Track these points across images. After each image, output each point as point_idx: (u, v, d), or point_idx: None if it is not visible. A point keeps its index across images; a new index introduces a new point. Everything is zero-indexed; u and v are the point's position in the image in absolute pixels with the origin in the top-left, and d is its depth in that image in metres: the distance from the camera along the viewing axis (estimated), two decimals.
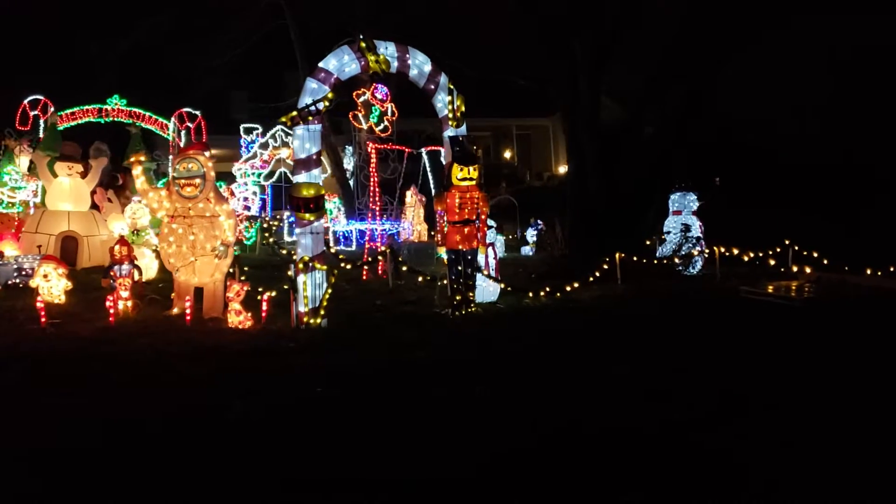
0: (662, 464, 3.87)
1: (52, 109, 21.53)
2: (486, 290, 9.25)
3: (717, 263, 11.39)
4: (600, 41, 11.27)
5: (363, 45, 7.62)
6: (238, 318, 7.43)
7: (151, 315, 7.95)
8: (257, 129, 19.13)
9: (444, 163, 13.90)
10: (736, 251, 11.60)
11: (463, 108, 8.41)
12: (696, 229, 12.35)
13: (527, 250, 16.08)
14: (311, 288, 7.42)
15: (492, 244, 9.33)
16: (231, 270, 9.18)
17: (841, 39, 18.20)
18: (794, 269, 11.35)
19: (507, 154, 35.74)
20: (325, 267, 7.56)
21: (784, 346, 6.68)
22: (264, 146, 18.31)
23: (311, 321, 7.40)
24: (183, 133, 23.04)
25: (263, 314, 7.53)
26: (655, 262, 10.95)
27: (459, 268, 8.44)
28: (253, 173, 18.39)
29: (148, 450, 4.07)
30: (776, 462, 3.89)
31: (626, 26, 11.62)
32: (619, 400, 5.01)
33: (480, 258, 9.16)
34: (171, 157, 22.71)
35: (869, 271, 10.35)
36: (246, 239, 13.55)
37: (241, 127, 19.51)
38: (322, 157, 7.78)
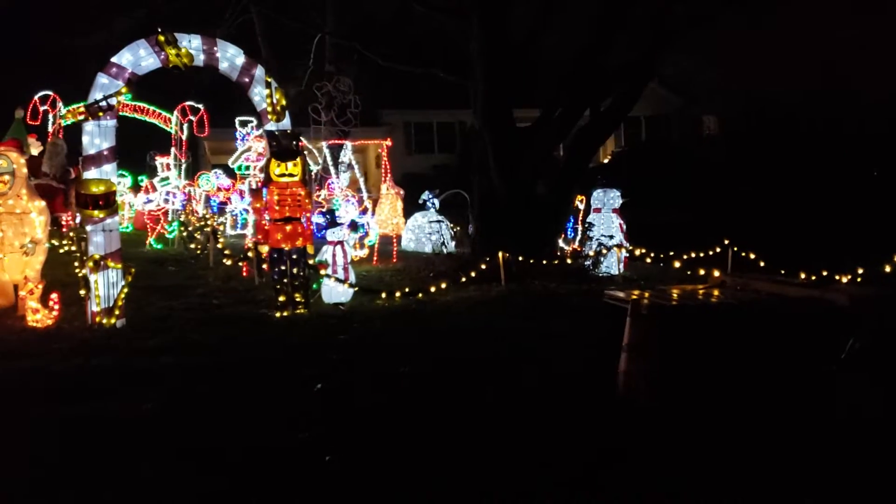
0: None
1: (60, 105, 22.26)
2: (335, 290, 8.93)
3: (619, 264, 10.70)
4: (493, 21, 10.62)
5: (162, 38, 7.40)
6: (35, 317, 7.37)
7: None
8: (252, 121, 19.24)
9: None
10: (639, 252, 10.88)
11: (283, 102, 8.07)
12: (615, 228, 11.63)
13: None
14: (103, 287, 7.29)
15: (340, 242, 8.98)
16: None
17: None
18: (702, 272, 10.54)
19: None
20: (119, 265, 7.41)
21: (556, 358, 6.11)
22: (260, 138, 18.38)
23: (105, 321, 7.27)
24: (185, 126, 23.50)
25: (56, 313, 7.43)
26: (545, 262, 10.31)
27: (283, 267, 8.16)
28: (247, 166, 18.50)
29: None
30: None
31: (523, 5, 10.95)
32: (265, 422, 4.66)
33: (327, 257, 8.88)
34: (172, 149, 23.26)
35: (809, 276, 9.50)
36: (168, 233, 13.60)
37: (237, 119, 19.66)
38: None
